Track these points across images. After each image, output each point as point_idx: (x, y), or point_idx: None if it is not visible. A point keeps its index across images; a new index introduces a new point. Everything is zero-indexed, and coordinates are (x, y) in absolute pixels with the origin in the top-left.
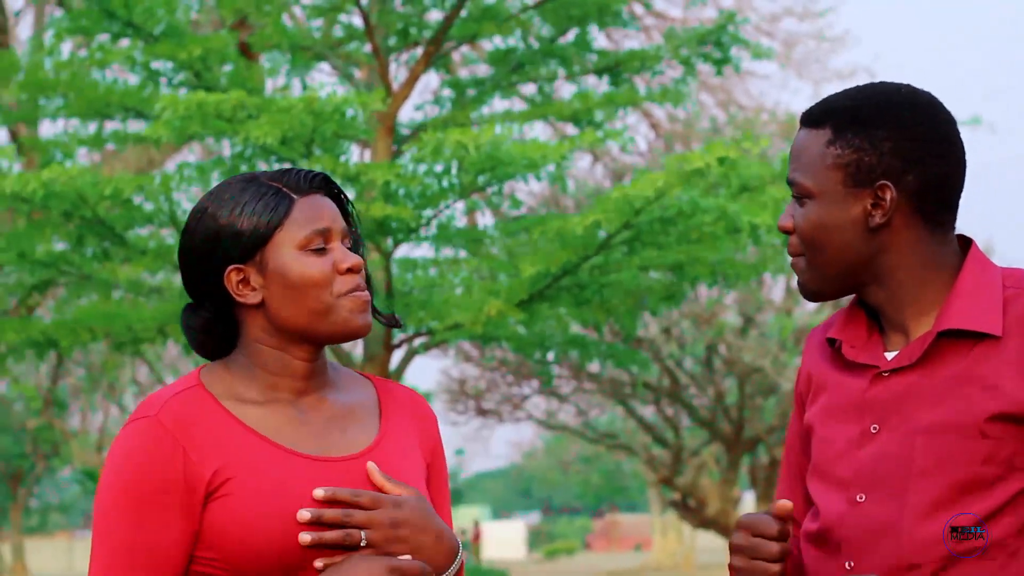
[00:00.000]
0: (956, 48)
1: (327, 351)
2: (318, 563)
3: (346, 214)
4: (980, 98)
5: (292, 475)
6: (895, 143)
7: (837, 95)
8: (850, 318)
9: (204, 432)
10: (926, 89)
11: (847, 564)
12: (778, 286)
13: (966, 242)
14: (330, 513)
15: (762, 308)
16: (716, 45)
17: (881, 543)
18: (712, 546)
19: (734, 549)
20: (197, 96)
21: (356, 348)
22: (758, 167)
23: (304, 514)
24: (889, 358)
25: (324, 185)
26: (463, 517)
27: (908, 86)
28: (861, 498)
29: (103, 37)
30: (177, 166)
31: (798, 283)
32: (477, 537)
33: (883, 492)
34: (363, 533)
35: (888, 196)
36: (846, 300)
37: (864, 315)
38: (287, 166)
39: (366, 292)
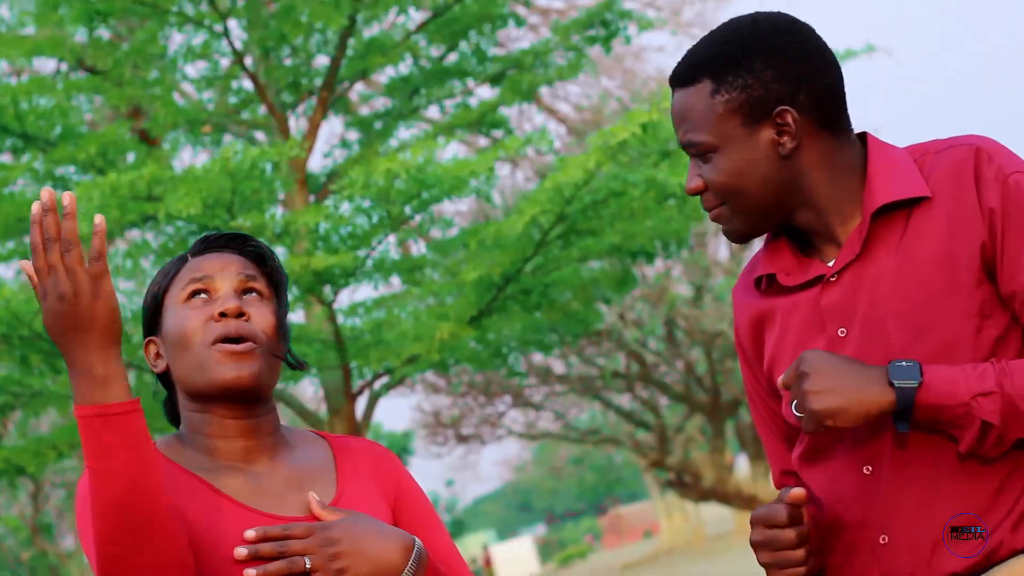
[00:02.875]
0: None
1: (285, 411)
2: None
3: (265, 267)
4: (868, 25)
5: (247, 527)
6: (776, 69)
7: (696, 48)
8: (774, 251)
9: (167, 481)
10: (804, 19)
11: (865, 468)
12: (721, 248)
13: (861, 136)
14: (266, 547)
15: (710, 273)
16: (602, 24)
17: (887, 434)
18: (719, 516)
19: (756, 546)
20: (109, 179)
21: (320, 406)
22: (652, 137)
23: (240, 551)
24: (830, 265)
25: (229, 243)
26: (470, 545)
27: (759, 13)
28: None
29: (4, 157)
30: (110, 260)
31: (724, 232)
32: (488, 562)
33: None
34: (306, 559)
35: (790, 119)
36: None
37: (786, 243)
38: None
39: (240, 343)
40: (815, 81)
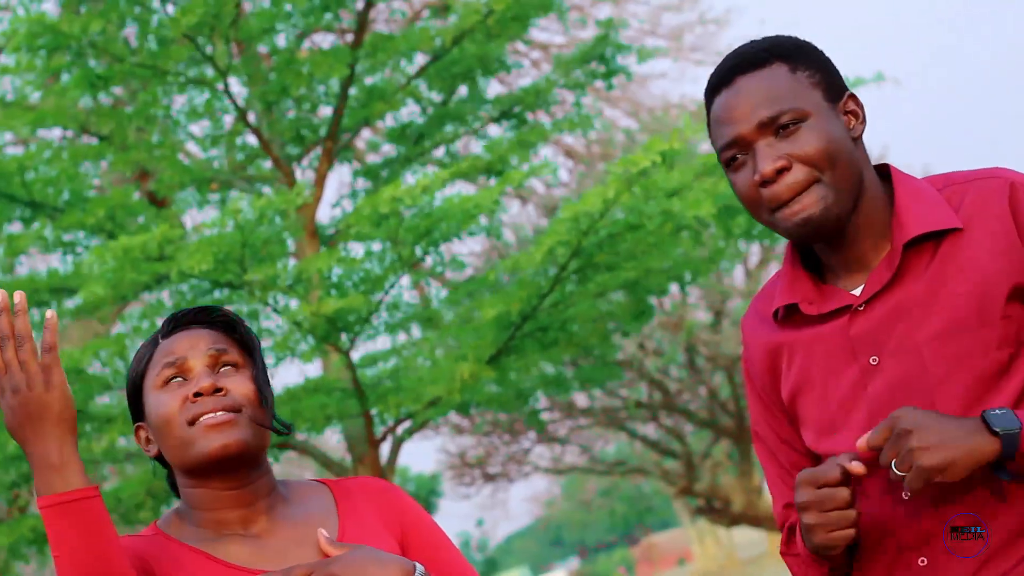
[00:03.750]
0: (841, 6)
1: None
2: None
3: (235, 335)
4: (873, 54)
5: None
6: (832, 65)
7: (750, 46)
8: (792, 282)
9: (166, 559)
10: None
11: (904, 494)
12: (738, 272)
13: (880, 168)
14: None
15: (728, 297)
16: (600, 59)
17: None
18: (750, 539)
19: (803, 507)
20: (121, 242)
21: (346, 455)
22: (680, 174)
23: None
24: (856, 294)
25: (195, 319)
26: None
27: None
28: None
29: (14, 227)
30: (123, 320)
31: (808, 217)
32: None
33: None
34: None
35: (856, 105)
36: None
37: (805, 273)
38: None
39: (219, 412)
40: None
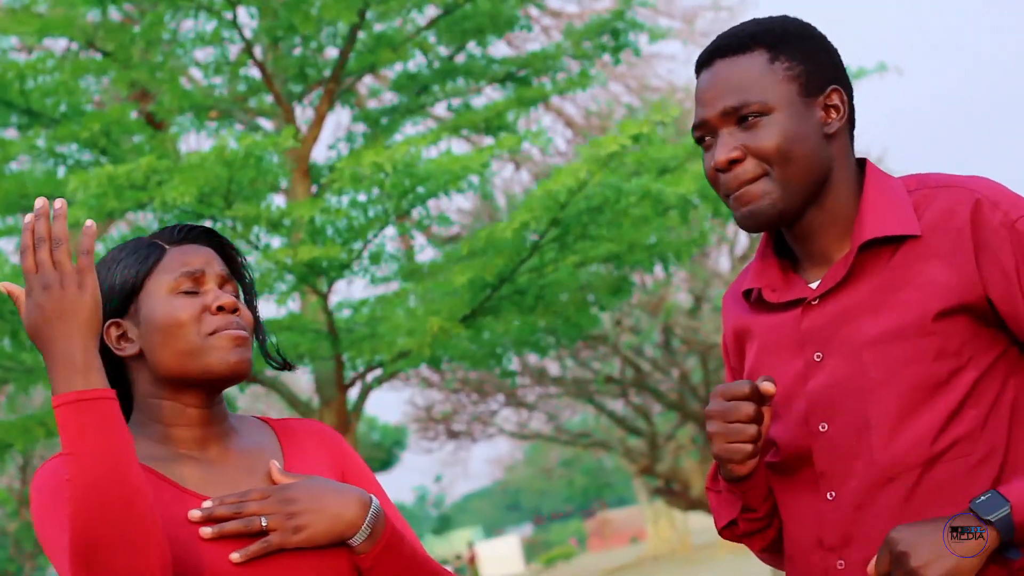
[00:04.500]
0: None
1: (283, 400)
2: (234, 555)
3: (234, 266)
4: (881, 45)
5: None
6: (825, 55)
7: (744, 25)
8: (762, 266)
9: None
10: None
11: (828, 494)
12: (723, 258)
13: (860, 162)
14: (221, 508)
15: (710, 283)
16: (612, 33)
17: (855, 465)
18: (705, 526)
19: (708, 415)
20: (106, 170)
21: (314, 396)
22: (672, 148)
23: (195, 513)
24: (813, 287)
25: (202, 236)
26: (456, 541)
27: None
28: (824, 427)
29: (8, 132)
30: (104, 241)
31: (752, 211)
32: (473, 559)
33: (844, 415)
34: (263, 519)
35: (838, 100)
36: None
37: (775, 260)
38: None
39: (239, 330)
40: (845, 79)
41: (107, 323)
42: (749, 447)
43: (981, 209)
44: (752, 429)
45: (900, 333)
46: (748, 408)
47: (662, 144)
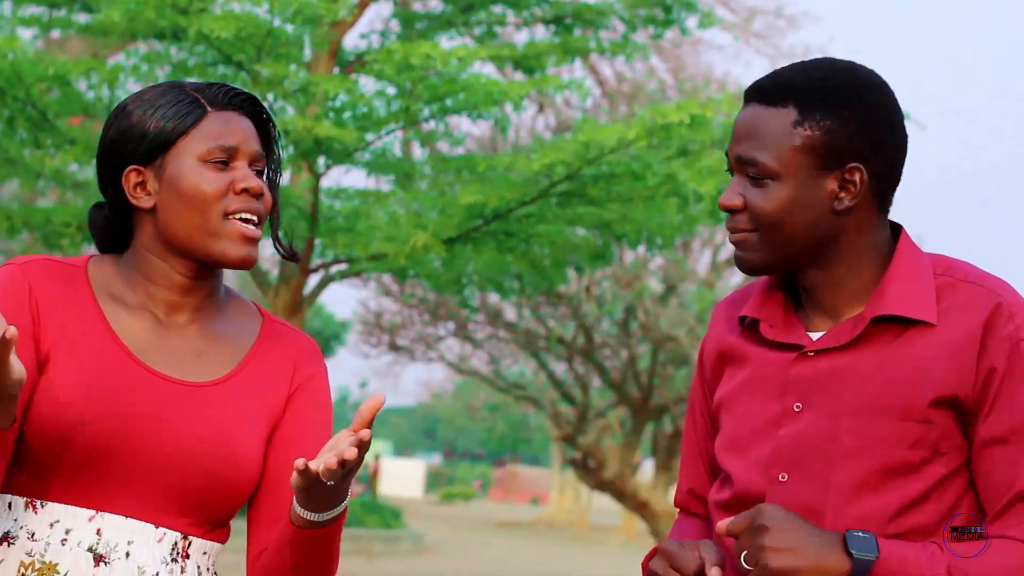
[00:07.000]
0: (915, 43)
1: (243, 275)
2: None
3: (268, 143)
4: (915, 95)
5: (118, 375)
6: (863, 124)
7: (791, 70)
8: (767, 298)
9: (61, 305)
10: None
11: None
12: (704, 258)
13: (895, 227)
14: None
15: (685, 278)
16: (663, 7)
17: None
18: (607, 507)
19: (651, 571)
20: None
21: (273, 268)
22: (694, 132)
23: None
24: (814, 338)
25: (248, 107)
26: None
27: (859, 65)
28: (783, 477)
29: None
30: (127, 55)
31: (740, 257)
32: (376, 472)
33: (806, 472)
34: None
35: (858, 179)
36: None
37: (782, 295)
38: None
39: (255, 228)
40: (888, 151)
41: (128, 168)
42: None
43: (998, 315)
44: None
45: (885, 411)
46: None
47: (690, 129)
